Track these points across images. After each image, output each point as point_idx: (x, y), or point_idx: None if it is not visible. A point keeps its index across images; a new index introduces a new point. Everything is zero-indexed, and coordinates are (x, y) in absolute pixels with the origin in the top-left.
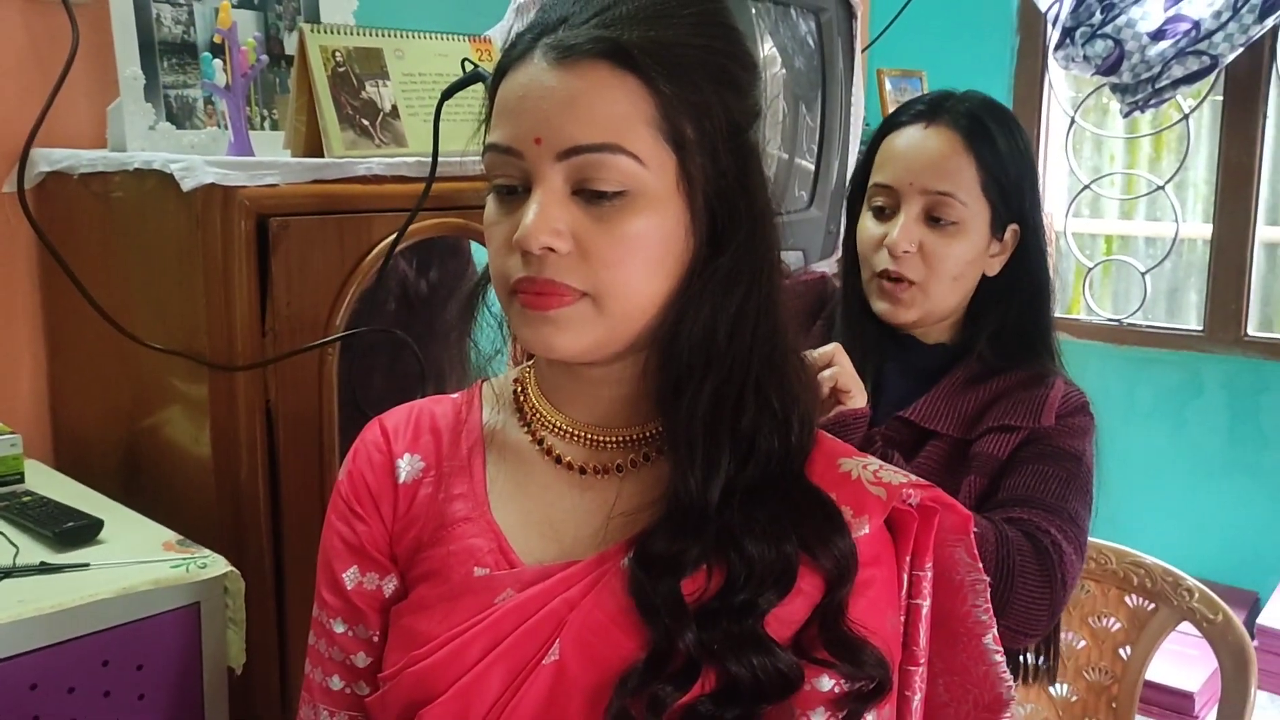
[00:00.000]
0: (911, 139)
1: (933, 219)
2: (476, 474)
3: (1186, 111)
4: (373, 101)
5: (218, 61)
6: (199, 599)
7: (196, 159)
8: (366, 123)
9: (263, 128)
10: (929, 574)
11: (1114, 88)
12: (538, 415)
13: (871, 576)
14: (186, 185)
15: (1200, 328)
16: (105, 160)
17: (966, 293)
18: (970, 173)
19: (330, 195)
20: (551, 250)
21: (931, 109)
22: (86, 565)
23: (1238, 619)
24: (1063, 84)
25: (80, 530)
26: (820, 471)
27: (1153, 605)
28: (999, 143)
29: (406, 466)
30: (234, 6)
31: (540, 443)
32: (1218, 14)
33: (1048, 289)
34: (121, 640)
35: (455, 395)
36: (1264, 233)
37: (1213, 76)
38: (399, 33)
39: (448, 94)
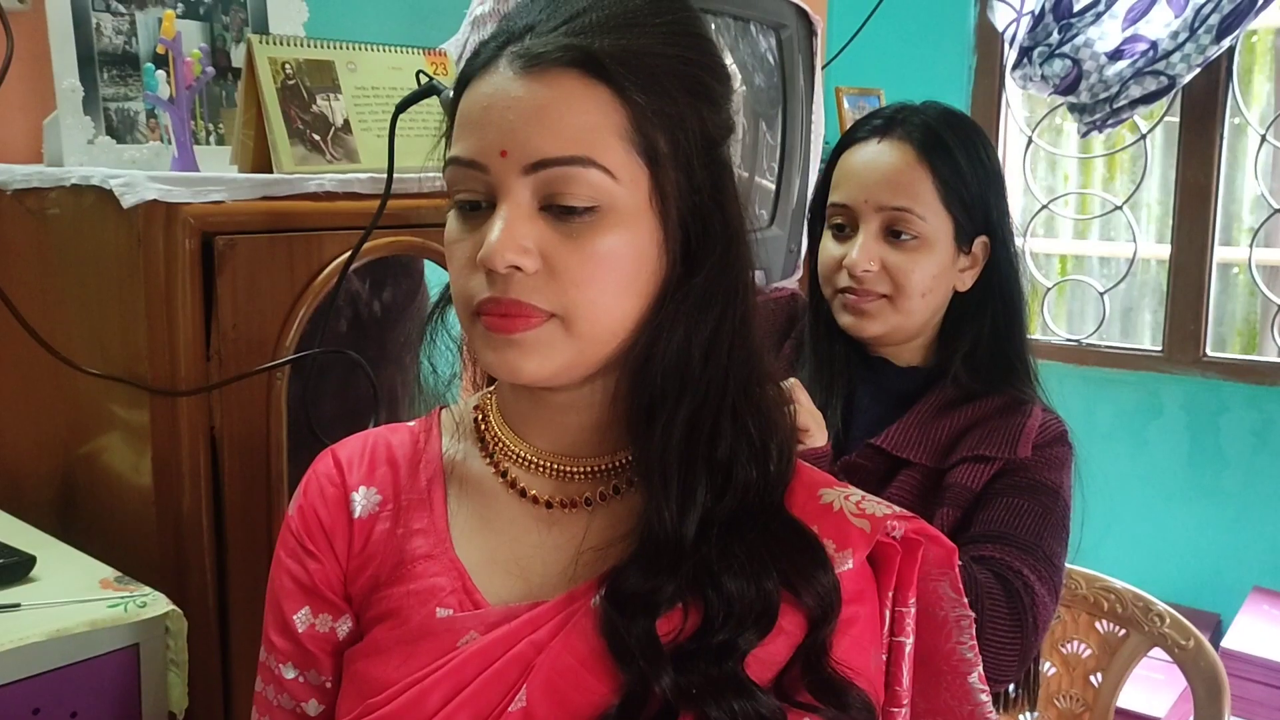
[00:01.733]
0: (866, 155)
1: (893, 234)
2: (437, 508)
3: (1143, 132)
4: (324, 115)
5: (161, 73)
6: (138, 640)
7: (138, 174)
8: (317, 137)
9: (208, 143)
10: (912, 610)
11: (1071, 107)
12: (500, 445)
13: (855, 614)
14: (127, 202)
15: (1158, 348)
16: (41, 175)
17: (937, 309)
18: (927, 186)
19: (279, 212)
20: (518, 269)
21: (887, 123)
22: (17, 606)
23: (1209, 645)
24: (1019, 104)
25: (10, 568)
26: (800, 503)
27: (1123, 631)
28: (956, 153)
29: (362, 500)
30: (179, 17)
31: (504, 475)
32: (1175, 34)
33: (1020, 302)
34: (54, 686)
35: (412, 424)
36: (1218, 253)
37: (1169, 97)
38: (351, 45)
39: (402, 107)
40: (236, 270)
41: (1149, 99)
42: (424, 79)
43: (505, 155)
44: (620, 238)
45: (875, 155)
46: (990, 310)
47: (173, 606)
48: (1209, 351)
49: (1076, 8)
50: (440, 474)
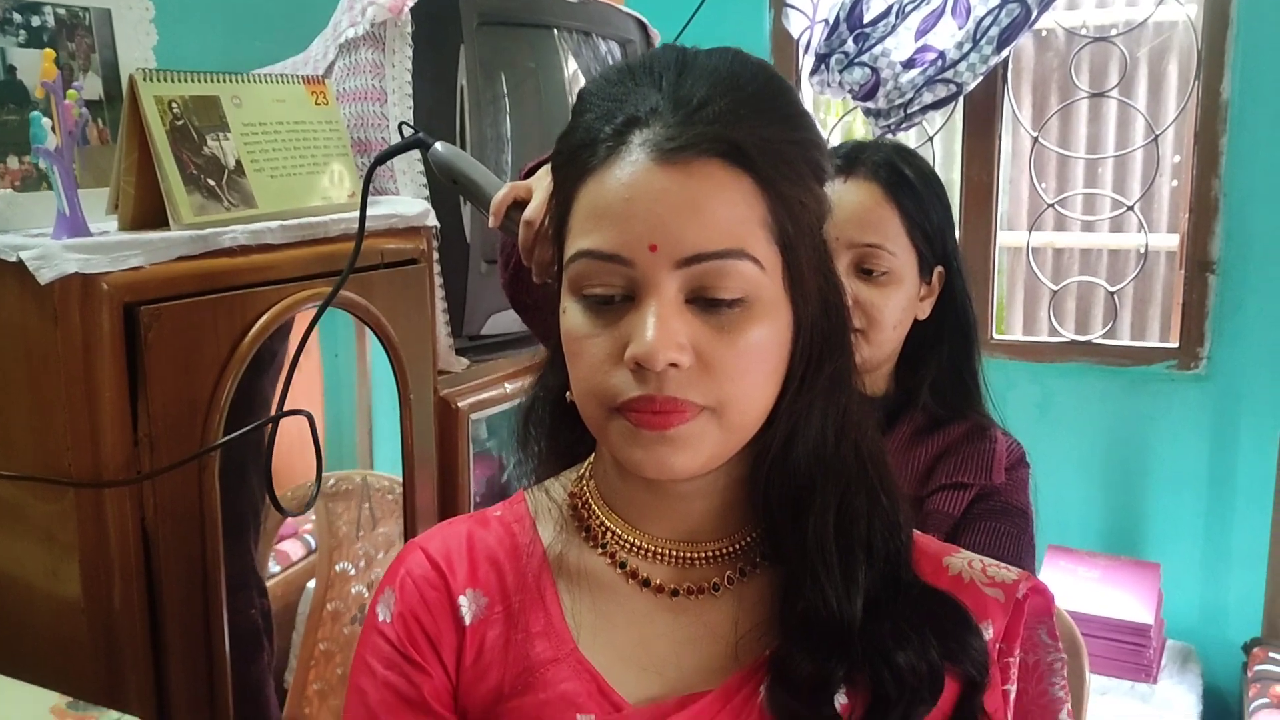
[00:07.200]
0: (831, 194)
1: (864, 271)
2: (551, 607)
3: (930, 134)
4: (216, 157)
5: (47, 120)
6: None
7: (50, 243)
8: (212, 183)
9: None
10: (1018, 659)
11: (867, 112)
12: (612, 534)
13: (993, 677)
14: (45, 277)
15: None
16: None
17: (901, 339)
18: (895, 222)
19: (202, 274)
20: (673, 366)
21: (847, 161)
22: None
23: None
24: (810, 107)
25: None
26: (930, 574)
27: None
28: (919, 189)
29: (470, 605)
30: (20, 46)
31: (621, 565)
32: (960, 45)
33: (975, 328)
34: None
35: (497, 512)
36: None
37: (957, 102)
38: (234, 77)
39: (382, 159)
40: (165, 342)
41: (939, 105)
42: (408, 130)
43: (655, 249)
44: (767, 327)
45: (840, 193)
46: (947, 336)
47: None
48: (994, 334)
49: (868, 18)
50: (547, 569)
